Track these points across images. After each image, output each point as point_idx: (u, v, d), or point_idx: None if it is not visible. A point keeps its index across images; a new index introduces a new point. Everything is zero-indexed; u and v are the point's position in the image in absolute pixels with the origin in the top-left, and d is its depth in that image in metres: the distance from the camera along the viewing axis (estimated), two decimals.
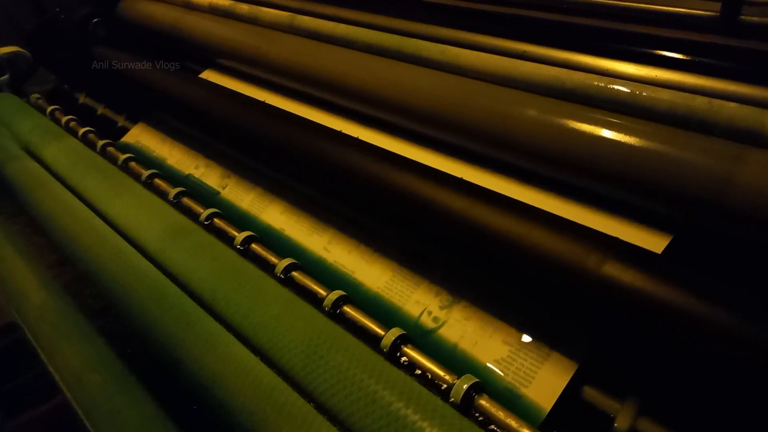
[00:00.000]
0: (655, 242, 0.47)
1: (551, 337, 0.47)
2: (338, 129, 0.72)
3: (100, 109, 1.08)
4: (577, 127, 0.52)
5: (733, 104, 0.46)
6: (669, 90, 0.50)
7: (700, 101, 0.48)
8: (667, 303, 0.39)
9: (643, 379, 0.44)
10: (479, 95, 0.60)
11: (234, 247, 0.65)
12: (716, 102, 0.47)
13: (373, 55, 0.73)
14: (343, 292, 0.56)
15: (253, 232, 0.66)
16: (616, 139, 0.49)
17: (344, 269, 0.62)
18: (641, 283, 0.41)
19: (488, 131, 0.58)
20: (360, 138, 0.68)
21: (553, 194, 0.55)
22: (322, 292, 0.57)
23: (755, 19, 0.70)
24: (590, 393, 0.46)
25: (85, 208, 0.75)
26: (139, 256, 0.65)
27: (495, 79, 0.61)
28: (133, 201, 0.73)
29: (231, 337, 0.53)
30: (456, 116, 0.61)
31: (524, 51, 0.62)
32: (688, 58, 0.69)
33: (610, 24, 0.79)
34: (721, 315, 0.38)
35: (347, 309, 0.54)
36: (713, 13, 0.73)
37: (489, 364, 0.49)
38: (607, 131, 0.50)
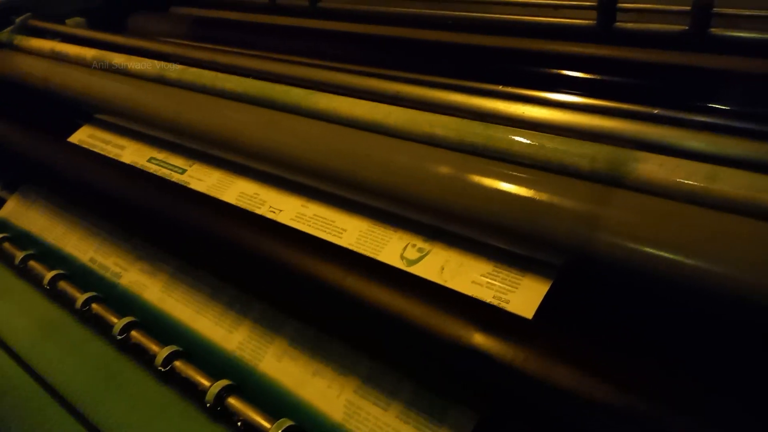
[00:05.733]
0: (526, 305, 0.44)
1: (439, 413, 0.44)
2: (216, 184, 0.68)
3: None
4: (443, 174, 0.49)
5: (593, 146, 0.44)
6: (532, 132, 0.47)
7: (559, 143, 0.45)
8: (538, 375, 0.37)
9: None
10: (350, 143, 0.57)
11: (113, 337, 0.59)
12: (577, 143, 0.44)
13: (242, 104, 0.68)
14: (228, 382, 0.51)
15: (138, 316, 0.61)
16: (483, 184, 0.47)
17: (232, 351, 0.57)
18: (511, 354, 0.38)
19: (359, 179, 0.55)
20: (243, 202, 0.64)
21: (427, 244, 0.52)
22: (205, 383, 0.52)
23: (629, 25, 0.69)
24: None
25: None
26: (6, 356, 0.59)
27: (367, 126, 0.57)
28: (2, 293, 0.67)
29: None
30: (326, 165, 0.57)
31: (397, 92, 0.59)
32: (565, 74, 0.67)
33: (486, 40, 0.77)
34: (591, 384, 0.36)
35: (232, 401, 0.50)
36: (590, 22, 0.72)
37: None
38: (475, 176, 0.48)
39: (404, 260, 0.53)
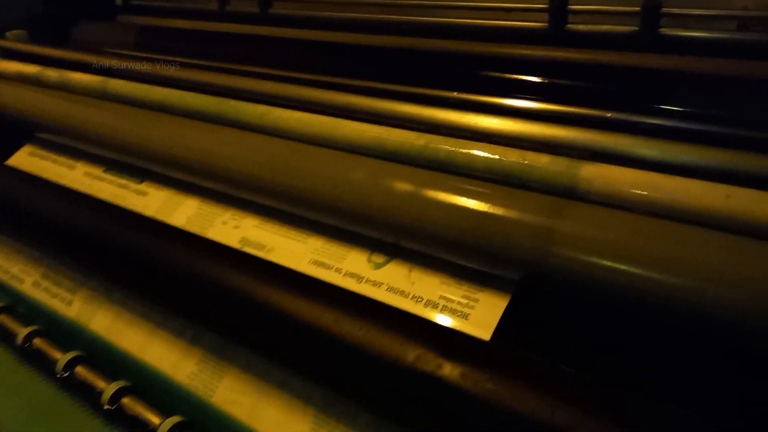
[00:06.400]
0: (483, 326, 0.43)
1: None
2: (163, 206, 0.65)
3: None
4: (399, 189, 0.47)
5: (546, 158, 0.42)
6: (486, 144, 0.46)
7: (514, 157, 0.44)
8: (498, 401, 0.36)
9: None
10: (303, 158, 0.55)
11: (57, 374, 0.56)
12: (532, 155, 0.43)
13: (192, 120, 0.65)
14: (179, 418, 0.49)
15: (84, 348, 0.58)
16: (439, 199, 0.45)
17: (183, 383, 0.54)
18: (468, 380, 0.37)
19: (312, 196, 0.53)
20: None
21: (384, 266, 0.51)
22: (155, 420, 0.49)
23: (581, 27, 0.69)
24: None
25: None
26: None
27: (318, 141, 0.55)
28: None
29: None
30: (278, 181, 0.55)
31: (348, 103, 0.57)
32: (520, 78, 0.66)
33: (441, 44, 0.75)
34: (554, 410, 0.34)
35: None
36: (543, 25, 0.71)
37: None
38: (430, 191, 0.46)
39: (372, 263, 0.52)
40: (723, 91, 0.57)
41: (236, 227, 0.61)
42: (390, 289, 0.50)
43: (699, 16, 0.61)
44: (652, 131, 0.52)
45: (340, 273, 0.53)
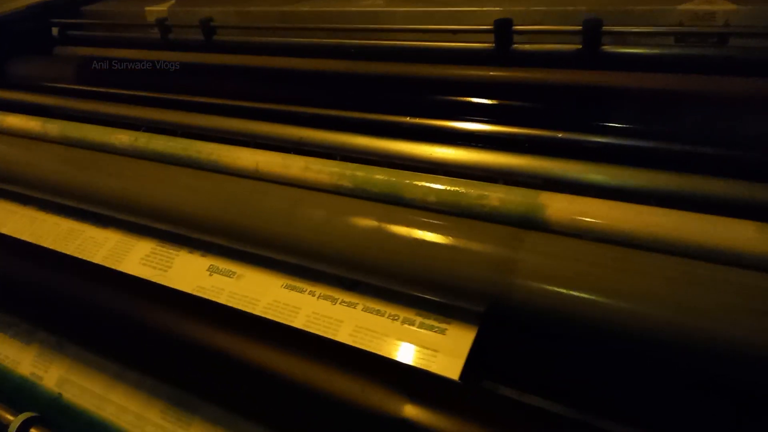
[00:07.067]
0: (451, 365, 0.43)
1: None
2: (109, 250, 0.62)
3: None
4: (357, 225, 0.47)
5: (503, 188, 0.43)
6: (442, 177, 0.46)
7: (472, 189, 0.44)
8: None
9: None
10: (255, 197, 0.54)
11: None
12: (488, 187, 0.43)
13: (135, 159, 0.63)
14: None
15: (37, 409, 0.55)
16: (398, 234, 0.45)
17: None
18: (440, 423, 0.36)
19: (266, 236, 0.52)
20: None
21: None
22: None
23: (527, 47, 0.70)
24: None
25: None
26: None
27: (271, 177, 0.54)
28: None
29: None
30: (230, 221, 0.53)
31: (301, 138, 0.56)
32: (469, 100, 0.66)
33: (389, 68, 0.75)
34: None
35: None
36: (489, 45, 0.72)
37: None
38: (387, 227, 0.46)
39: (345, 284, 0.52)
40: (663, 105, 0.58)
41: (203, 255, 0.60)
42: (366, 308, 0.50)
43: (638, 33, 0.63)
44: (600, 149, 0.53)
45: (314, 296, 0.52)
